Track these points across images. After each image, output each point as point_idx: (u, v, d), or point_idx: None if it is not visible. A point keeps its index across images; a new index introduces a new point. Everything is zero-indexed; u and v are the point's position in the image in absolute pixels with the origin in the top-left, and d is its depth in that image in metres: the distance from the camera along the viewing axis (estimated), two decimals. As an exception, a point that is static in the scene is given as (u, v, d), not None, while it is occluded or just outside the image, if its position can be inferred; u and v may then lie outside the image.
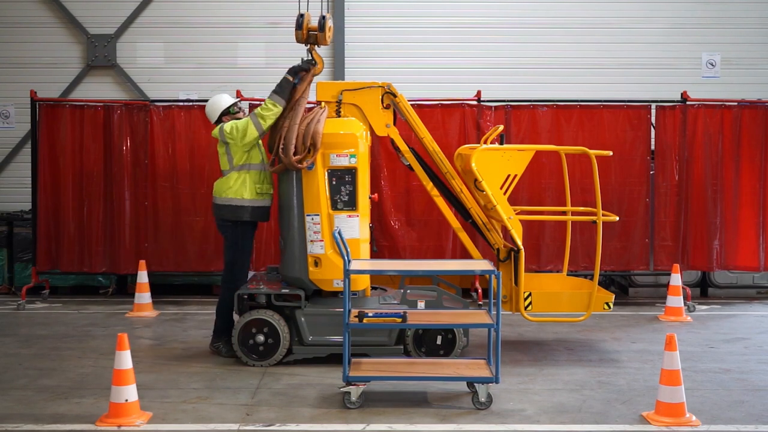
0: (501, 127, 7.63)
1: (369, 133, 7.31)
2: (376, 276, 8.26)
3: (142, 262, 9.42)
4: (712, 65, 11.84)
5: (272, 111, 7.10)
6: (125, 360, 5.57)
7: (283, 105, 7.13)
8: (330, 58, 11.62)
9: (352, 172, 6.98)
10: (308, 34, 7.27)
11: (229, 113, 7.53)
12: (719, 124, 9.85)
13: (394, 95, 7.37)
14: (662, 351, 5.76)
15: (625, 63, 11.75)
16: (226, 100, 7.61)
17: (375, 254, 8.02)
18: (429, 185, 7.53)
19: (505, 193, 7.16)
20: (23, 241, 10.48)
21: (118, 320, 9.02)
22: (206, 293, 10.45)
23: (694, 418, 5.65)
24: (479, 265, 6.62)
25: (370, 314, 6.10)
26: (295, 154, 6.90)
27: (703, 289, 10.54)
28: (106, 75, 11.81)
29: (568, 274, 8.26)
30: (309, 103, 9.52)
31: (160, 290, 10.00)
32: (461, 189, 7.49)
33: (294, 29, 7.27)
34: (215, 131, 7.41)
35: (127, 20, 11.69)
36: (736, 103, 9.94)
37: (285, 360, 7.02)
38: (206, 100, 10.05)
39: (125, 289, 10.44)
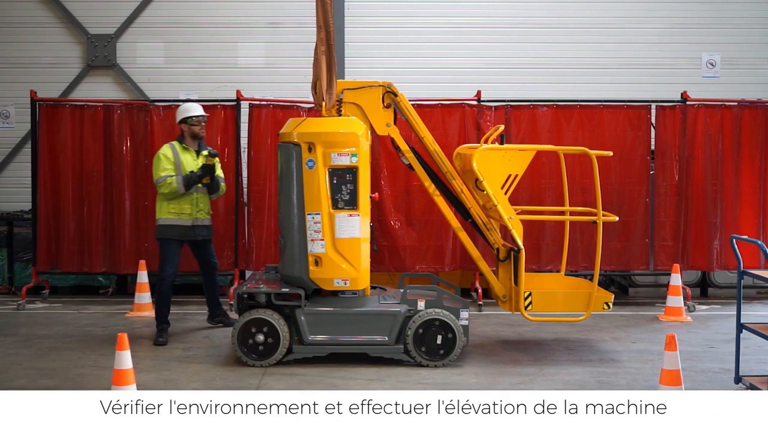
0: (502, 127, 7.63)
1: (370, 132, 7.31)
2: (375, 275, 8.28)
3: (142, 262, 9.41)
4: (712, 65, 11.84)
5: (166, 190, 7.81)
6: (125, 360, 5.57)
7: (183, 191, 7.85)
8: (330, 58, 11.61)
9: (353, 171, 6.97)
10: None
11: (186, 123, 8.03)
12: (719, 124, 9.85)
13: (395, 94, 7.38)
14: (662, 351, 5.77)
15: (625, 63, 11.75)
16: (192, 110, 8.09)
17: (375, 254, 8.03)
18: (429, 185, 7.53)
19: (506, 193, 7.16)
20: (23, 241, 10.47)
21: (118, 320, 9.02)
22: (206, 293, 10.43)
23: (694, 417, 5.65)
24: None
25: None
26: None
27: (703, 289, 10.54)
28: (106, 75, 11.81)
29: (568, 274, 8.27)
30: (305, 102, 9.59)
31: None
32: (461, 189, 7.49)
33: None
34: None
35: (127, 20, 11.69)
36: (736, 103, 9.94)
37: (285, 359, 7.02)
38: (207, 100, 10.20)
39: (125, 289, 10.43)
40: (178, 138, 8.10)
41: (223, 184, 8.18)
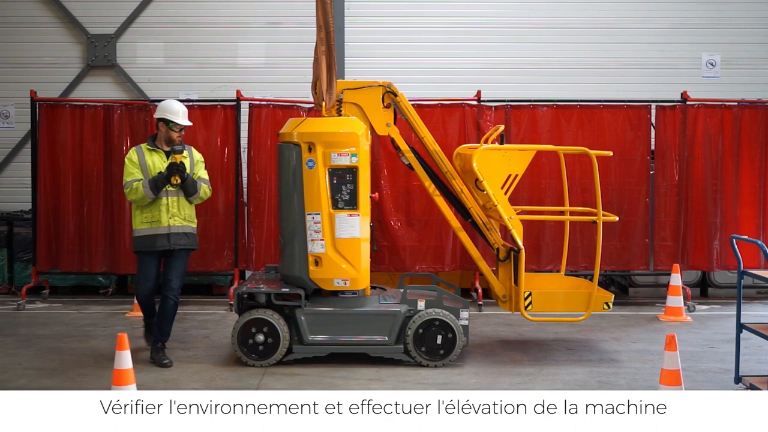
0: (502, 127, 7.63)
1: (370, 132, 7.31)
2: (375, 275, 8.28)
3: (142, 262, 9.40)
4: (712, 65, 11.84)
5: (133, 197, 7.13)
6: (125, 360, 5.57)
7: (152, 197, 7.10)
8: (330, 58, 11.61)
9: (353, 171, 6.97)
10: None
11: (166, 124, 7.18)
12: (719, 124, 9.85)
13: (395, 94, 7.38)
14: (662, 351, 5.77)
15: (625, 63, 11.75)
16: (177, 116, 7.20)
17: (375, 254, 8.02)
18: (429, 185, 7.53)
19: (506, 193, 7.16)
20: (23, 241, 10.47)
21: (118, 320, 9.02)
22: (206, 293, 10.45)
23: (694, 417, 5.64)
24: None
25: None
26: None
27: (703, 289, 10.54)
28: (106, 75, 11.81)
29: (568, 274, 8.27)
30: (305, 102, 9.59)
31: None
32: (461, 189, 7.49)
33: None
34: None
35: (127, 20, 11.69)
36: (736, 103, 9.94)
37: (285, 359, 7.02)
38: (207, 101, 10.21)
39: (125, 289, 10.44)
40: (150, 137, 7.34)
41: (205, 186, 7.30)
